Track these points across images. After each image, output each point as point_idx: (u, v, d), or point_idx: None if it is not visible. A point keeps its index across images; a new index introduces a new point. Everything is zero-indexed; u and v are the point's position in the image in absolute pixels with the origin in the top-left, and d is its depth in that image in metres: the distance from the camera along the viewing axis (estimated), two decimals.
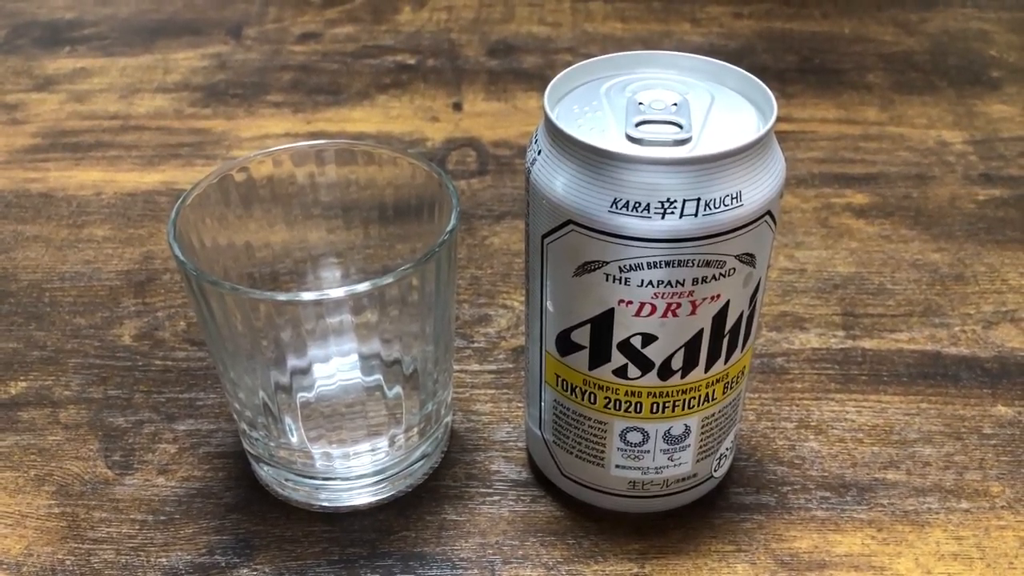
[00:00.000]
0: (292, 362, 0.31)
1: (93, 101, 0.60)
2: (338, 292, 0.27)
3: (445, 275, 0.30)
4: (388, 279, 0.28)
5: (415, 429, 0.33)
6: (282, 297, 0.28)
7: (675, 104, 0.27)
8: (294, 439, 0.32)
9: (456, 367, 0.39)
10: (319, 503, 0.33)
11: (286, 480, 0.33)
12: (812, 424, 0.37)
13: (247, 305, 0.28)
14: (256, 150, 0.34)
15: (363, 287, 0.28)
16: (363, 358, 0.32)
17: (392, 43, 0.67)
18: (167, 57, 0.65)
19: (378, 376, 0.32)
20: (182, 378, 0.39)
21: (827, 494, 0.34)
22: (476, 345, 0.41)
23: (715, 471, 0.32)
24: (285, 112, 0.58)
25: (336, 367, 0.33)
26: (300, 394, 0.32)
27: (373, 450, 0.33)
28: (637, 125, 0.26)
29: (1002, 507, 0.33)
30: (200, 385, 0.39)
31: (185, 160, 0.54)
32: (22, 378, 0.39)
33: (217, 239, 0.33)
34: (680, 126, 0.26)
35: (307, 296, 0.27)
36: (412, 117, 0.58)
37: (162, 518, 0.33)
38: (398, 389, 0.32)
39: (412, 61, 0.64)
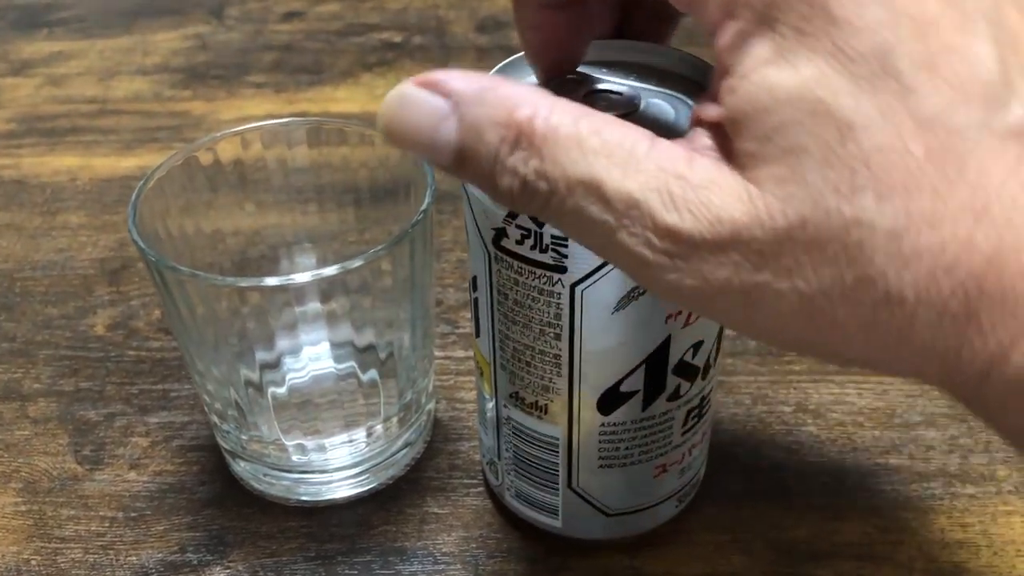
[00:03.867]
0: (260, 352, 0.29)
1: (70, 85, 0.58)
2: (304, 277, 0.26)
3: (421, 258, 0.29)
4: (357, 262, 0.26)
5: (394, 419, 0.32)
6: (245, 283, 0.26)
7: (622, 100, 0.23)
8: (266, 432, 0.31)
9: (440, 353, 0.38)
10: (296, 497, 0.32)
11: (262, 475, 0.32)
12: (810, 408, 0.35)
13: (209, 293, 0.27)
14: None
15: (331, 271, 0.26)
16: (335, 346, 0.31)
17: (378, 20, 0.65)
18: (146, 38, 0.63)
19: (352, 364, 0.31)
20: (156, 369, 0.38)
21: (826, 480, 0.32)
22: (462, 331, 0.39)
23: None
24: (267, 93, 0.56)
25: (307, 356, 0.31)
26: (271, 386, 0.30)
27: (351, 441, 0.32)
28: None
29: (1009, 491, 0.32)
30: (174, 376, 0.37)
31: (163, 144, 0.52)
32: None
33: (184, 226, 0.31)
34: None
35: (271, 282, 0.26)
36: None
37: (133, 515, 0.32)
38: (374, 378, 0.31)
39: (398, 39, 0.63)
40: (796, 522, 0.31)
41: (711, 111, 0.17)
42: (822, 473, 0.33)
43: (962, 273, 0.15)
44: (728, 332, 0.38)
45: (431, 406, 0.34)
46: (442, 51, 0.61)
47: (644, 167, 0.17)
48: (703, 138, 0.18)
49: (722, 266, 0.16)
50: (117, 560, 0.30)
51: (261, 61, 0.60)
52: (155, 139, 0.52)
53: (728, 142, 0.17)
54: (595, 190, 0.17)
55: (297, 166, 0.33)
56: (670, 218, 0.16)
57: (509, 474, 0.29)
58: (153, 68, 0.60)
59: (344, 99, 0.56)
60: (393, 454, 0.33)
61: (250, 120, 0.55)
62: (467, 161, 0.18)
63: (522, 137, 0.17)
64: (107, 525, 0.32)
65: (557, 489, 0.28)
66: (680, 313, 0.24)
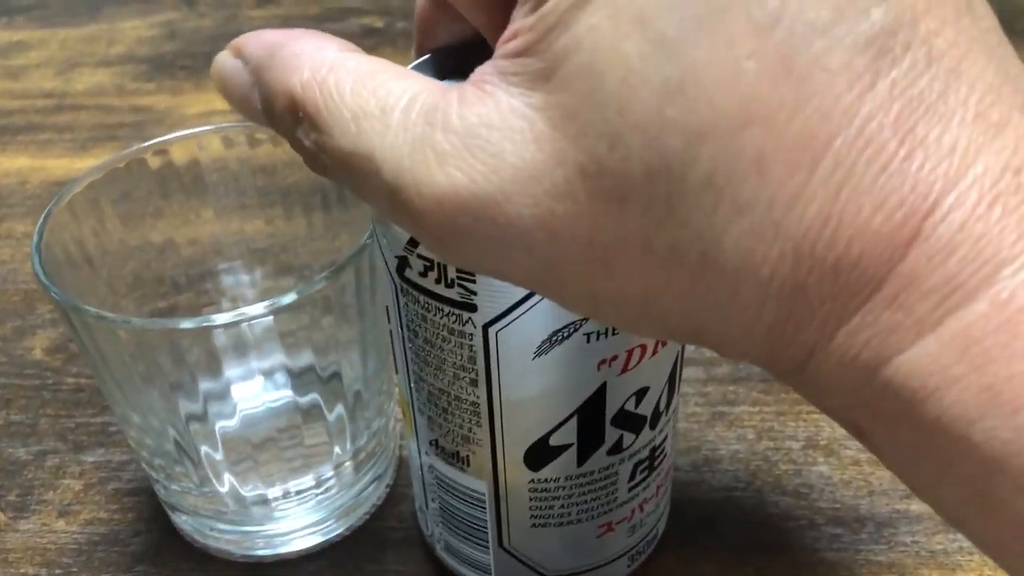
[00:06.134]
0: (182, 397, 0.25)
1: (27, 78, 0.54)
2: (224, 317, 0.22)
3: (368, 283, 0.25)
4: (290, 297, 0.23)
5: (347, 464, 0.28)
6: (155, 326, 0.23)
7: None
8: (197, 483, 0.27)
9: None
10: (241, 552, 0.29)
11: (202, 527, 0.28)
12: (821, 443, 0.31)
13: (122, 337, 0.23)
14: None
15: (258, 309, 0.22)
16: (271, 382, 0.27)
17: (358, 4, 0.61)
18: (113, 27, 0.59)
19: (294, 403, 0.27)
20: (95, 398, 0.34)
21: (839, 531, 0.29)
22: None
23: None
24: None
25: (241, 395, 0.28)
26: (198, 435, 0.27)
27: (299, 493, 0.28)
28: None
29: None
30: None
31: (122, 143, 0.48)
32: None
33: (104, 243, 0.28)
34: None
35: (187, 324, 0.22)
36: None
37: (57, 571, 0.28)
38: (322, 419, 0.27)
39: (380, 24, 0.58)
40: None
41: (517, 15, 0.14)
42: (834, 522, 0.29)
43: (792, 231, 0.12)
44: (721, 358, 0.34)
45: (394, 445, 0.31)
46: None
47: (409, 122, 0.14)
48: (499, 60, 0.14)
49: (508, 227, 0.13)
50: None
51: None
52: (114, 137, 0.49)
53: (523, 57, 0.13)
54: (367, 162, 0.14)
55: (253, 168, 0.29)
56: (438, 177, 0.13)
57: (437, 525, 0.25)
58: (117, 59, 0.56)
59: None
60: (348, 501, 0.29)
61: (216, 114, 0.51)
62: (280, 135, 0.16)
63: (297, 106, 0.15)
64: None
65: (487, 547, 0.24)
66: (615, 358, 0.20)
